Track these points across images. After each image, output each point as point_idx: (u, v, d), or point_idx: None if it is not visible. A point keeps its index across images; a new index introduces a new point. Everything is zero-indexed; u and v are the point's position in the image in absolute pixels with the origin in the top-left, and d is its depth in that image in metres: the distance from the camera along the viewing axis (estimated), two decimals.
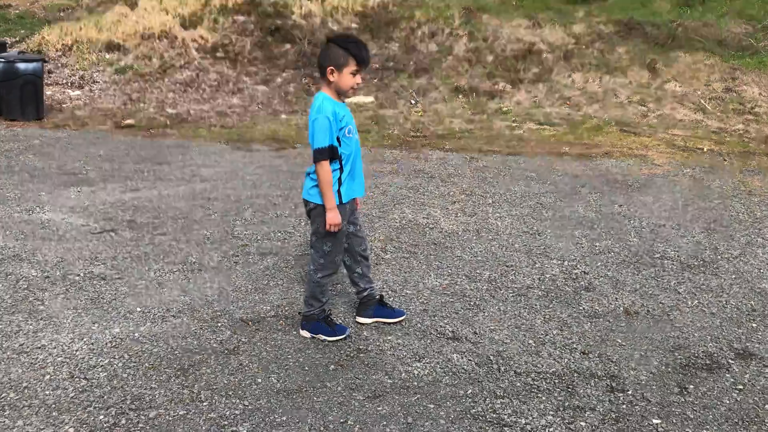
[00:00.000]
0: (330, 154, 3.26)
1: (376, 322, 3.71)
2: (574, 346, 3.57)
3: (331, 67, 3.30)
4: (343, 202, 3.38)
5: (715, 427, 2.90)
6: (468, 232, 5.29)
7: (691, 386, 3.22)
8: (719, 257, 4.87)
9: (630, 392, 3.15)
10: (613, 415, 2.96)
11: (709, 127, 9.61)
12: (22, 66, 9.14)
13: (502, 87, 11.14)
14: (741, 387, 3.22)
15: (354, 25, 12.76)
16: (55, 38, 12.28)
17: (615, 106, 10.35)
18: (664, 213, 5.86)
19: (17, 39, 12.56)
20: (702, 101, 10.36)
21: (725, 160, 8.02)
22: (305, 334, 3.56)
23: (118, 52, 12.15)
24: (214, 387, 3.08)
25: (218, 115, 10.19)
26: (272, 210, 5.72)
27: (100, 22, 12.64)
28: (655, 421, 2.93)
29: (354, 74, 3.32)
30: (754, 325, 3.86)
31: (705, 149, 8.50)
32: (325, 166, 3.27)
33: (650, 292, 4.26)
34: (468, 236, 5.20)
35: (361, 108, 10.62)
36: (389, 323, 3.71)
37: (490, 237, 5.19)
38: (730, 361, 3.47)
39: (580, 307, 4.03)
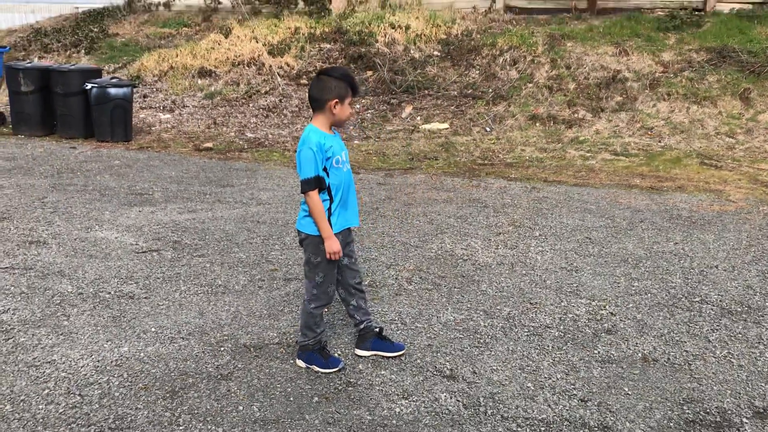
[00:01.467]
0: (317, 184, 3.30)
1: (374, 355, 3.68)
2: (575, 392, 3.40)
3: (336, 100, 3.35)
4: (335, 232, 3.40)
5: None
6: (502, 266, 5.16)
7: None
8: None
9: None
10: None
11: None
12: (113, 91, 9.77)
13: (581, 116, 10.84)
14: None
15: (436, 53, 12.82)
16: (153, 64, 13.06)
17: (700, 138, 9.84)
18: (720, 253, 5.49)
19: (120, 65, 13.45)
20: None
21: None
22: (300, 363, 3.58)
23: (210, 77, 12.77)
24: (196, 412, 3.15)
25: (294, 140, 10.47)
26: None
27: (195, 49, 13.34)
28: None
29: (351, 105, 3.40)
30: None
31: None
32: (314, 197, 3.31)
33: (677, 338, 4.00)
34: (501, 270, 5.08)
35: (434, 135, 10.63)
36: (387, 357, 3.67)
37: (524, 272, 5.05)
38: (744, 420, 3.19)
39: (595, 351, 3.84)
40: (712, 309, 4.42)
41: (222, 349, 3.76)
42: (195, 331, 3.96)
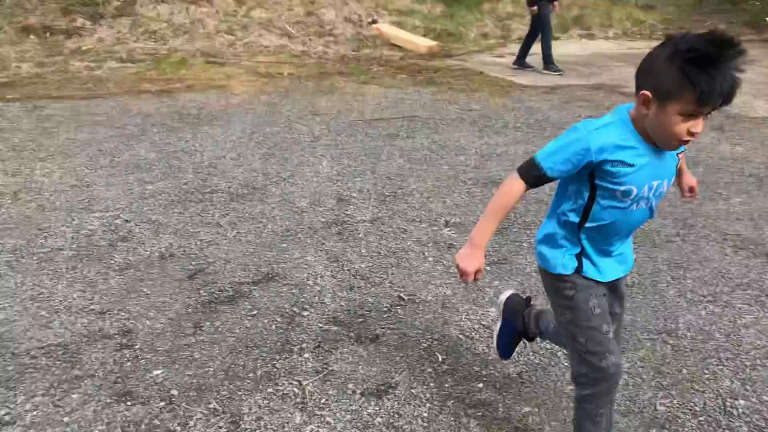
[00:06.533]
0: None
1: None
2: (93, 307, 3.31)
3: None
4: None
5: (218, 362, 2.89)
6: (4, 196, 4.66)
7: (207, 323, 3.19)
8: (269, 182, 4.98)
9: (138, 346, 3.00)
10: (113, 377, 2.78)
11: (292, 52, 9.94)
12: None
13: (80, 24, 10.18)
14: (255, 312, 3.28)
15: None
16: None
17: (202, 37, 10.13)
18: (228, 144, 5.84)
19: None
20: (287, 26, 10.65)
21: (301, 82, 8.35)
22: None
23: None
24: None
25: None
26: None
27: None
28: (156, 372, 2.82)
29: None
30: (285, 245, 3.99)
31: (285, 74, 8.75)
32: None
33: (192, 230, 4.17)
34: (3, 201, 4.58)
35: None
36: None
37: (29, 198, 4.64)
38: (252, 288, 3.52)
39: (112, 261, 3.77)
40: (221, 196, 4.70)
41: None
42: None
